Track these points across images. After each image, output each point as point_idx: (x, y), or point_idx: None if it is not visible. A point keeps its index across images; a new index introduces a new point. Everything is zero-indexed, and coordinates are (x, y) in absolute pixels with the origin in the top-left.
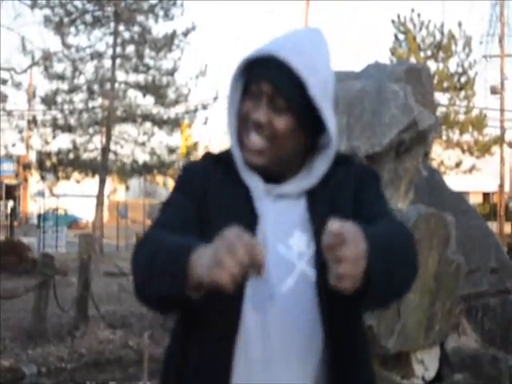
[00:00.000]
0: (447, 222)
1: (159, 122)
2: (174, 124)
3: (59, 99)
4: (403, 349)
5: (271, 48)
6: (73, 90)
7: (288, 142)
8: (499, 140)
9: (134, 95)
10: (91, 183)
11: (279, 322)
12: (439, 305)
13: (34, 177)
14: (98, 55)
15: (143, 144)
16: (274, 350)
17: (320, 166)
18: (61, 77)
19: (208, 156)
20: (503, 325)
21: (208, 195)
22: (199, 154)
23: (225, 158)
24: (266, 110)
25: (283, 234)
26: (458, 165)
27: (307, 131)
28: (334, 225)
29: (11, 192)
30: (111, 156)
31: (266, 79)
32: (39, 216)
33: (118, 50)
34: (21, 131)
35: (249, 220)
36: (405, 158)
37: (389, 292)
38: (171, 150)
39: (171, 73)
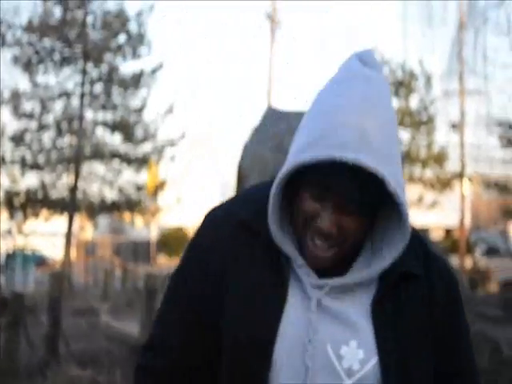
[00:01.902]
0: None
1: (127, 160)
2: (141, 161)
3: (28, 138)
4: None
5: (335, 146)
6: (41, 128)
7: (356, 237)
8: (460, 175)
9: (102, 133)
10: (59, 221)
11: None
12: None
13: (1, 215)
14: (66, 93)
15: (111, 182)
16: None
17: (391, 248)
18: (29, 115)
19: (232, 221)
20: None
21: (230, 277)
22: (165, 191)
23: (259, 229)
24: (334, 219)
25: (337, 339)
26: (420, 200)
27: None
28: None
29: None
30: (80, 194)
31: (335, 188)
32: (7, 255)
33: (87, 88)
34: None
35: (276, 308)
36: None
37: None
38: (139, 188)
39: (139, 110)
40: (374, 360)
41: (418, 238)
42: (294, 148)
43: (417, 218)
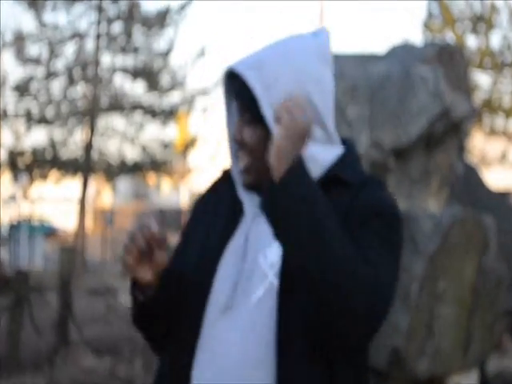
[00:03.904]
0: (486, 226)
1: (151, 112)
2: (168, 114)
3: (34, 87)
4: (436, 372)
5: (236, 63)
6: (50, 75)
7: (265, 153)
8: None
9: (121, 81)
10: (72, 185)
11: (239, 332)
12: (478, 320)
13: (4, 179)
14: (79, 35)
15: (132, 138)
16: (228, 360)
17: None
18: (36, 61)
19: (224, 173)
20: None
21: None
22: (197, 149)
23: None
24: (239, 126)
25: (265, 245)
26: (503, 157)
27: None
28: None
29: None
30: (95, 153)
31: (235, 95)
32: (11, 225)
33: (103, 28)
34: None
35: (224, 235)
36: (436, 152)
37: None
38: (165, 146)
39: (165, 54)
40: None
41: (372, 177)
42: None
43: (500, 178)
